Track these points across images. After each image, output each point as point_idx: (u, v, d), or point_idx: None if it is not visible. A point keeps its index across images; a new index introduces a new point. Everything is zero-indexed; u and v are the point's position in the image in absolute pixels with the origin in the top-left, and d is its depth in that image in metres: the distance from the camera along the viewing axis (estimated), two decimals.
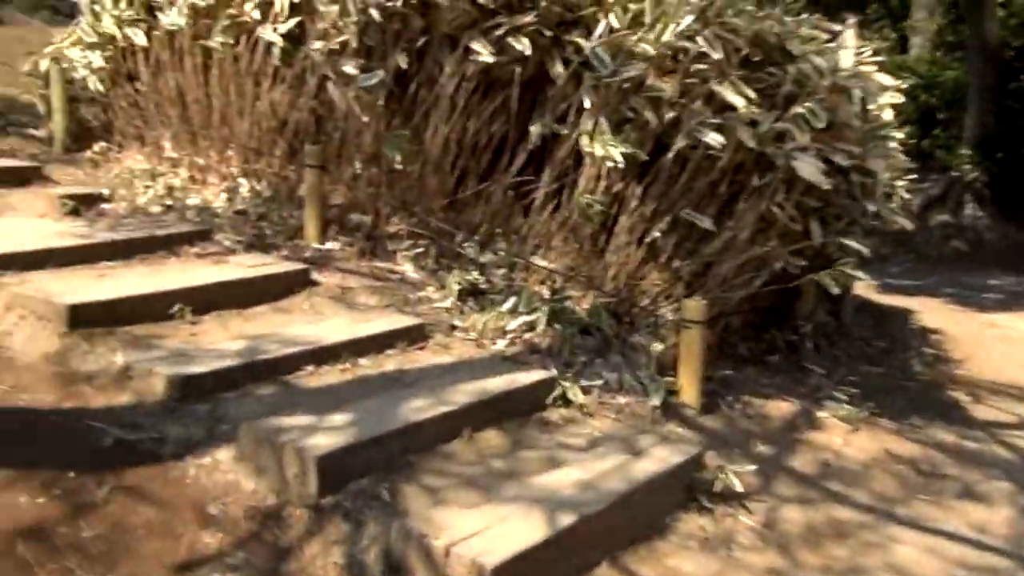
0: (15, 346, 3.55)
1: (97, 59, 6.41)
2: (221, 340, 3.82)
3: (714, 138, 4.72)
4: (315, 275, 4.75)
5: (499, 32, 5.02)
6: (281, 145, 5.75)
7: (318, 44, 5.34)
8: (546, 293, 4.92)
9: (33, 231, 4.71)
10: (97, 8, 6.41)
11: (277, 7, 5.50)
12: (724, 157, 4.85)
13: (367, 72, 5.18)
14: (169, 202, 5.60)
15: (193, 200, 5.67)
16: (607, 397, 4.16)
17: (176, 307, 3.98)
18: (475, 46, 5.03)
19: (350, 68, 5.19)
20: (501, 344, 4.42)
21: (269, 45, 5.56)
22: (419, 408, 3.42)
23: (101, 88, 6.52)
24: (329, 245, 5.22)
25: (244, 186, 5.79)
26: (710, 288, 5.02)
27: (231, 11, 5.70)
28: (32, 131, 6.82)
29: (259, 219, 5.47)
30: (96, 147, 6.50)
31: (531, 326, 4.57)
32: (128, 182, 5.85)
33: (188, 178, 6.04)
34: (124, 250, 4.57)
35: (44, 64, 6.65)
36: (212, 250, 4.87)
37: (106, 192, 5.57)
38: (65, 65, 6.53)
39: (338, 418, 3.24)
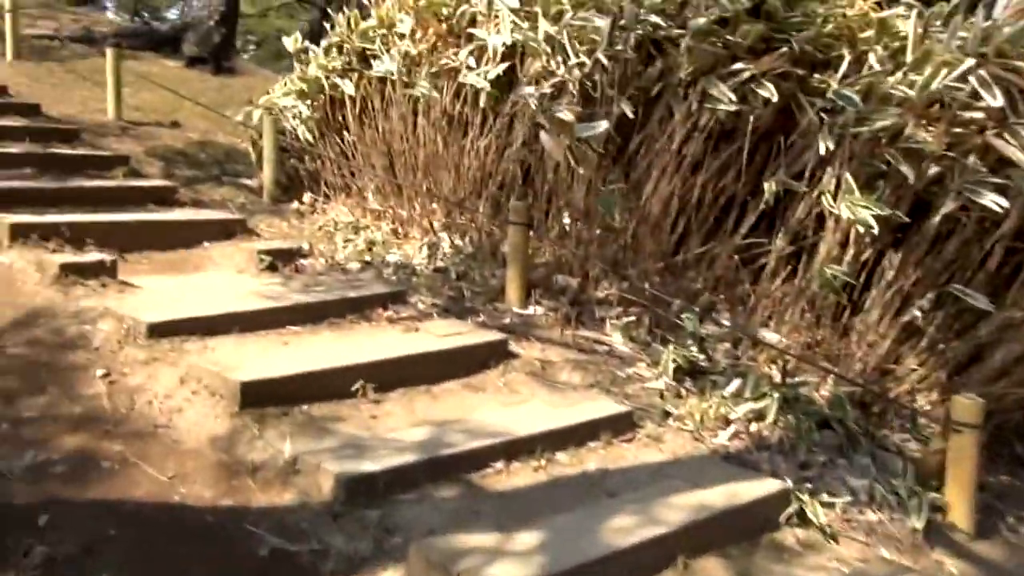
0: (183, 426, 3.25)
1: (306, 109, 6.33)
2: (403, 426, 3.39)
3: (994, 200, 3.86)
4: (513, 345, 4.28)
5: (740, 78, 4.41)
6: (486, 198, 5.36)
7: (530, 89, 4.91)
8: (776, 376, 4.22)
9: (226, 289, 4.52)
10: (307, 58, 6.33)
11: (489, 51, 5.14)
12: (1006, 223, 3.98)
13: (584, 120, 4.69)
14: (368, 258, 5.36)
15: (393, 256, 5.40)
16: (854, 512, 3.44)
17: (358, 384, 3.59)
18: (714, 92, 4.43)
19: (566, 115, 4.72)
20: (723, 437, 3.78)
21: (477, 92, 5.20)
22: (623, 528, 2.83)
23: (310, 138, 6.44)
24: (531, 310, 4.75)
25: (445, 241, 5.47)
26: (982, 378, 4.12)
27: (443, 59, 5.41)
28: (245, 181, 6.82)
29: (458, 278, 5.10)
30: (303, 198, 6.41)
31: (759, 415, 3.90)
32: (329, 235, 5.67)
33: (390, 231, 5.81)
34: (313, 314, 4.28)
35: (256, 114, 6.64)
36: (405, 314, 4.51)
37: (305, 247, 5.38)
38: (276, 115, 6.49)
39: (526, 538, 2.71)
